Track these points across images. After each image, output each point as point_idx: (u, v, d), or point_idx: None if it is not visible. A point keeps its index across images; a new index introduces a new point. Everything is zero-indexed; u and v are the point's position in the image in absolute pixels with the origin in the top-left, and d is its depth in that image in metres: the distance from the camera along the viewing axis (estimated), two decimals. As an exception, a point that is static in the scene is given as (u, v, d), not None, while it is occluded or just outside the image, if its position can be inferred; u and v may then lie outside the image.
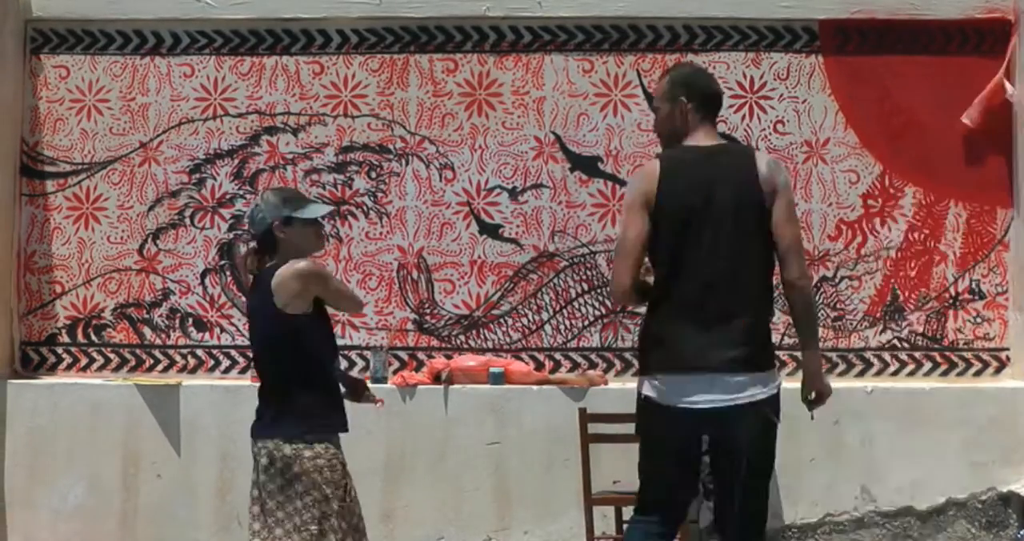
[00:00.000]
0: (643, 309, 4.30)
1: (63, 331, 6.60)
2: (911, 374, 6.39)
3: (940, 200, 6.46)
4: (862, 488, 6.12)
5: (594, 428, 5.73)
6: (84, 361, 6.59)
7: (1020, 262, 6.38)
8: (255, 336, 4.36)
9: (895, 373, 6.39)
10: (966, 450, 6.18)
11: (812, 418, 4.44)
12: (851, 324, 6.42)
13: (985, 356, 6.42)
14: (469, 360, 6.31)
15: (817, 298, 6.38)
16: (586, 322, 6.49)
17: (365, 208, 6.56)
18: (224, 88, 6.62)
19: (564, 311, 6.49)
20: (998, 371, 6.42)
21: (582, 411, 5.75)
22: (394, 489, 6.20)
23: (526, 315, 6.50)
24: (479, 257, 6.52)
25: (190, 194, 6.61)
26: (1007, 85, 6.31)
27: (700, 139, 4.23)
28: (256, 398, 4.28)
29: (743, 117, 6.48)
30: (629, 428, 5.54)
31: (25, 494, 6.32)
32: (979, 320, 6.41)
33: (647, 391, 4.18)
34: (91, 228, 6.61)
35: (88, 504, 6.29)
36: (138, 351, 6.57)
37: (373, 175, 6.57)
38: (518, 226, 6.52)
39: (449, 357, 6.40)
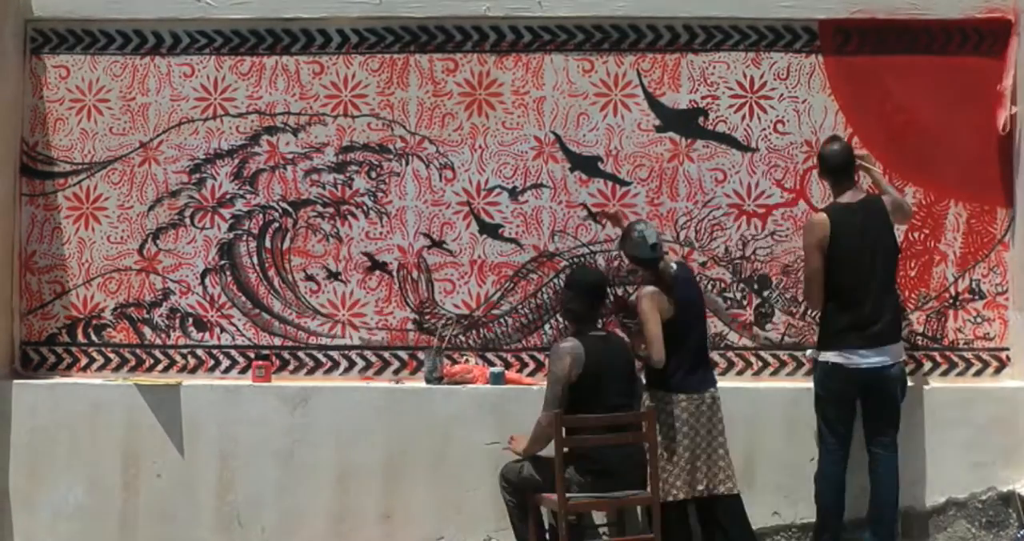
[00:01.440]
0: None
1: (63, 331, 6.60)
2: (911, 374, 6.37)
3: (940, 200, 6.45)
4: (862, 488, 6.11)
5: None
6: (84, 361, 6.59)
7: (1020, 262, 6.38)
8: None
9: (895, 373, 6.39)
10: (966, 450, 6.18)
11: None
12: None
13: (985, 356, 6.41)
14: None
15: (817, 298, 6.42)
16: (586, 322, 6.48)
17: (365, 208, 6.56)
18: (224, 88, 6.62)
19: (564, 311, 6.48)
20: (998, 371, 6.42)
21: (556, 415, 5.52)
22: (394, 489, 6.21)
23: (526, 315, 6.50)
24: (479, 257, 6.52)
25: (190, 194, 6.61)
26: (1007, 107, 6.34)
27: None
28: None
29: (743, 117, 6.48)
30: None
31: (25, 494, 6.32)
32: (979, 320, 6.40)
33: None
34: (91, 228, 6.61)
35: (88, 504, 6.30)
36: (138, 351, 6.58)
37: (373, 175, 6.57)
38: (518, 226, 6.52)
39: (449, 357, 6.42)
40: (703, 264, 6.45)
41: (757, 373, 6.42)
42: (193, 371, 6.54)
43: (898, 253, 6.03)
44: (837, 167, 5.97)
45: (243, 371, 6.50)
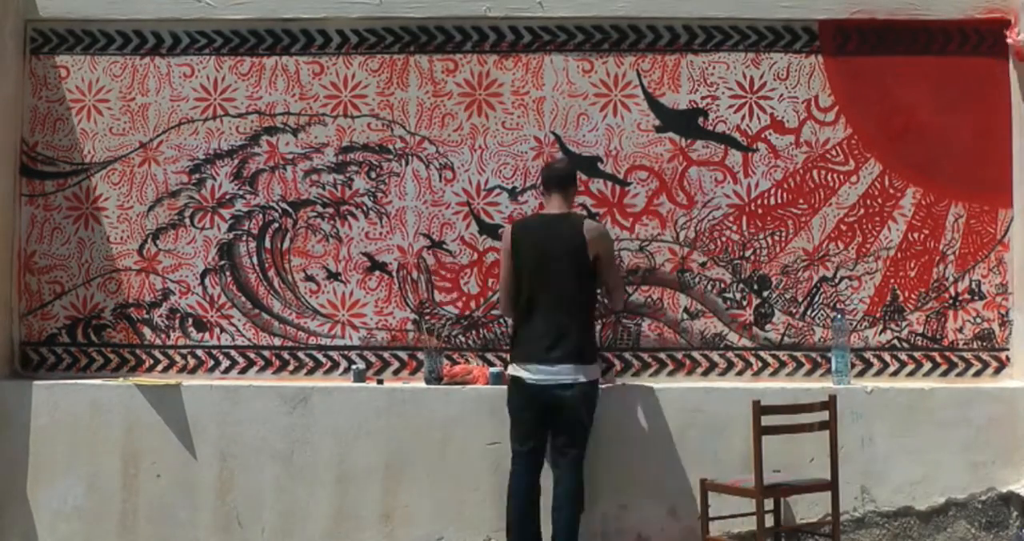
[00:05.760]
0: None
1: (63, 331, 6.60)
2: (911, 374, 6.39)
3: (940, 200, 6.46)
4: (862, 488, 6.12)
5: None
6: (84, 361, 6.59)
7: (1020, 262, 6.38)
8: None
9: (895, 373, 6.39)
10: (966, 450, 6.18)
11: None
12: (851, 324, 6.42)
13: (985, 356, 6.42)
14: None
15: (817, 298, 6.40)
16: (586, 322, 6.48)
17: (365, 208, 6.57)
18: (224, 88, 6.62)
19: (564, 311, 6.48)
20: (998, 371, 6.43)
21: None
22: (394, 489, 6.21)
23: (526, 315, 6.49)
24: (479, 257, 6.52)
25: (190, 194, 6.61)
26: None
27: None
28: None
29: (743, 117, 6.49)
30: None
31: (25, 494, 6.32)
32: (979, 320, 6.41)
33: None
34: (91, 228, 6.62)
35: (88, 504, 6.30)
36: (138, 351, 6.58)
37: (373, 175, 6.57)
38: (518, 226, 6.52)
39: (449, 357, 6.42)
40: (703, 264, 6.45)
41: (757, 373, 6.43)
42: (193, 371, 6.54)
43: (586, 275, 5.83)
44: (549, 180, 6.00)
45: (243, 371, 6.50)
